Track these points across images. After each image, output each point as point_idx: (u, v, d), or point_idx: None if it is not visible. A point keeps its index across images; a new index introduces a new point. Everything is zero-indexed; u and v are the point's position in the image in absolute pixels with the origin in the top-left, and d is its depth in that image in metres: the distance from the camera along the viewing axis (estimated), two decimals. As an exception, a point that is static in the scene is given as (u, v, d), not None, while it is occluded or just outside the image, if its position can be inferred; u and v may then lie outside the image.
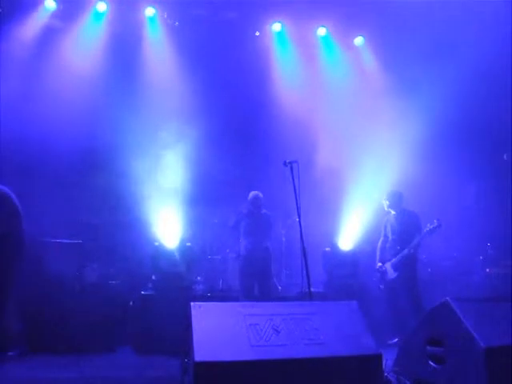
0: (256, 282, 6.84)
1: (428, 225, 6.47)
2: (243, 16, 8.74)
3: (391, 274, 6.74)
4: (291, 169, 5.40)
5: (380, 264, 6.94)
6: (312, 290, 5.17)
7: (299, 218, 5.32)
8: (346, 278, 7.44)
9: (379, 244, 7.05)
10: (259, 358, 3.26)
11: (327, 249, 7.85)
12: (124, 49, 8.37)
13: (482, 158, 8.64)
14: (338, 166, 8.40)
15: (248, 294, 6.69)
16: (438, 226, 6.37)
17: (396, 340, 6.34)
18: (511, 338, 3.76)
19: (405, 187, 7.21)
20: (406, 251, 6.58)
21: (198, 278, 7.48)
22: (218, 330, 3.35)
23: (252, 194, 7.03)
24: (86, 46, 8.29)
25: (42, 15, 8.18)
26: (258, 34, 9.12)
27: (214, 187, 8.15)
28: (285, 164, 5.44)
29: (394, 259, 6.72)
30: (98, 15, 8.37)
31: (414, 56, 8.48)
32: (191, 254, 6.97)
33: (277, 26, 9.02)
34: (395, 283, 6.70)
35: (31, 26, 8.10)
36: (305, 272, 5.15)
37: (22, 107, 7.50)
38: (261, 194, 7.02)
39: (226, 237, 7.77)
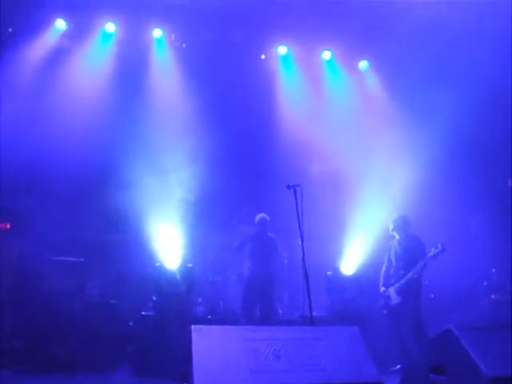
0: (258, 304, 6.78)
1: (432, 249, 6.41)
2: (249, 39, 8.86)
3: (395, 299, 6.67)
4: (294, 192, 5.41)
5: (383, 289, 6.86)
6: (314, 314, 5.11)
7: (302, 240, 5.30)
8: (349, 302, 7.38)
9: (383, 269, 6.98)
10: (259, 384, 3.21)
11: (329, 273, 7.79)
12: (131, 69, 8.47)
13: (486, 183, 8.62)
14: (341, 188, 8.40)
15: (249, 316, 6.63)
16: (442, 251, 6.32)
17: (398, 367, 6.24)
18: (516, 368, 3.69)
19: (408, 211, 7.18)
20: (409, 275, 6.51)
21: (199, 299, 7.41)
22: (218, 354, 3.31)
23: (259, 216, 7.06)
24: (94, 65, 8.41)
25: (52, 35, 8.31)
26: (263, 56, 9.23)
27: (216, 209, 8.14)
28: (288, 187, 5.45)
29: (397, 284, 6.66)
30: (107, 36, 8.50)
31: (419, 80, 8.52)
32: (192, 276, 6.94)
33: (282, 49, 9.12)
34: (398, 308, 6.62)
35: (41, 46, 8.22)
36: (306, 296, 5.10)
37: (28, 126, 7.57)
38: (267, 217, 7.06)
39: (229, 258, 7.73)
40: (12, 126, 7.48)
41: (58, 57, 8.30)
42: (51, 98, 7.93)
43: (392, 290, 6.71)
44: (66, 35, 8.40)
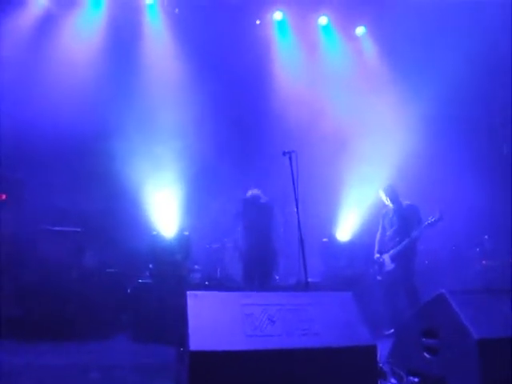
0: (257, 273, 6.72)
1: (429, 218, 6.44)
2: (244, 4, 8.68)
3: (389, 265, 6.75)
4: (290, 158, 5.39)
5: (378, 255, 6.95)
6: (309, 280, 5.17)
7: (297, 207, 5.32)
8: (343, 268, 7.47)
9: (377, 236, 7.04)
10: (254, 347, 3.27)
11: (325, 239, 7.85)
12: (123, 35, 8.32)
13: (481, 149, 8.63)
14: (337, 155, 8.39)
15: (251, 286, 6.59)
16: (440, 219, 6.35)
17: (392, 331, 6.37)
18: (505, 330, 3.78)
19: (404, 178, 7.21)
20: (405, 243, 6.57)
21: (196, 266, 7.48)
22: (213, 319, 3.36)
23: (249, 193, 6.91)
24: (85, 31, 8.25)
25: (40, 1, 8.10)
26: (258, 22, 9.06)
27: (212, 176, 8.14)
28: (283, 154, 5.43)
29: (392, 251, 6.73)
30: (98, 1, 8.30)
31: (415, 46, 8.43)
32: (189, 243, 6.98)
33: (278, 15, 8.95)
34: (392, 274, 6.71)
35: (30, 13, 8.04)
36: (302, 262, 5.16)
37: (22, 95, 7.46)
38: (258, 191, 6.90)
39: (225, 224, 7.76)
40: (4, 94, 7.37)
41: (48, 23, 8.13)
42: (42, 66, 7.81)
43: (386, 257, 6.79)
44: (54, 1, 8.19)
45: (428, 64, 8.37)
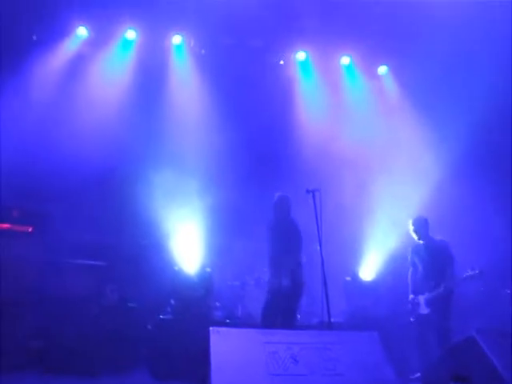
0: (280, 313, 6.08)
1: (468, 271, 6.19)
2: (268, 45, 8.89)
3: (423, 309, 6.44)
4: (313, 197, 5.40)
5: (412, 296, 6.64)
6: (332, 320, 5.06)
7: (320, 246, 5.27)
8: (368, 308, 7.28)
9: (409, 275, 6.72)
10: (277, 387, 3.20)
11: (348, 278, 7.72)
12: (151, 75, 8.58)
13: (508, 188, 8.47)
14: (360, 194, 8.36)
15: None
16: (480, 274, 6.12)
17: (418, 375, 6.12)
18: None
19: (430, 218, 7.08)
20: (441, 290, 6.27)
21: (217, 303, 7.42)
22: (236, 356, 3.31)
23: (276, 195, 6.23)
24: (115, 72, 8.54)
25: (73, 43, 8.45)
26: (282, 62, 9.25)
27: (235, 214, 8.16)
28: (307, 192, 5.43)
29: (427, 294, 6.44)
30: (127, 43, 8.61)
31: (438, 86, 8.47)
32: (210, 280, 6.94)
33: (301, 55, 9.13)
34: (426, 319, 6.42)
35: (63, 53, 8.38)
36: (325, 302, 5.06)
37: (50, 132, 7.70)
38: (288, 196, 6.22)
39: (247, 262, 7.70)
40: (34, 132, 7.62)
41: (79, 64, 8.45)
42: (72, 104, 8.08)
43: (422, 300, 6.50)
44: (87, 43, 8.53)
45: (450, 103, 8.37)
